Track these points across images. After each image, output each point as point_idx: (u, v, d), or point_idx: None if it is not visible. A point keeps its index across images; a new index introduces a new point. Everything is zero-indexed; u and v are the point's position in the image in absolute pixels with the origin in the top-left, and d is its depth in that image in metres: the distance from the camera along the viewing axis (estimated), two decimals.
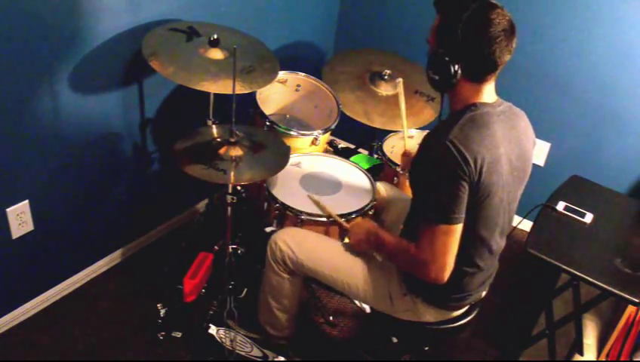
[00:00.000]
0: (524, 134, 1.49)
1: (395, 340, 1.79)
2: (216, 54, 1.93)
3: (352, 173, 2.17)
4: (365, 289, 1.67)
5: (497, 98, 1.45)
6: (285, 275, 1.79)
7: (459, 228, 1.37)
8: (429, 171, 1.37)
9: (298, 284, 1.85)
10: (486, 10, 1.32)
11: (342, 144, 2.89)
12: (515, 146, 1.45)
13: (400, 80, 2.17)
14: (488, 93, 1.42)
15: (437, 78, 1.41)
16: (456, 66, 1.36)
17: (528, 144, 1.51)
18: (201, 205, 2.72)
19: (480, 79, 1.39)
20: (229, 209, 1.96)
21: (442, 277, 1.41)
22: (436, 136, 1.38)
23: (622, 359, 1.95)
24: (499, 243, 1.54)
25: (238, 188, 2.21)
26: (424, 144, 1.41)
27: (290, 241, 1.75)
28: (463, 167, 1.31)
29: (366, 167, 2.29)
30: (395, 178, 2.28)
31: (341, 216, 1.89)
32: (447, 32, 1.36)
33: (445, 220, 1.35)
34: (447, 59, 1.36)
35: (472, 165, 1.32)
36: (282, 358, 1.94)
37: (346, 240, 1.95)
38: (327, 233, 1.92)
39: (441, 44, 1.38)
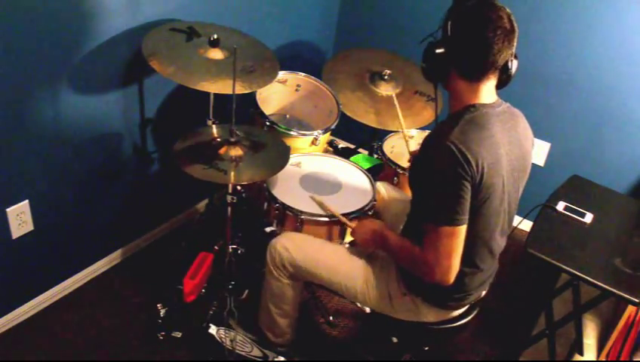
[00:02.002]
0: (523, 135, 1.49)
1: (395, 340, 1.79)
2: (216, 54, 1.93)
3: (352, 173, 2.17)
4: (364, 290, 1.67)
5: (497, 98, 1.45)
6: (285, 280, 1.79)
7: (463, 229, 1.36)
8: (431, 173, 1.37)
9: (298, 289, 1.85)
10: (482, 8, 1.32)
11: (342, 144, 2.89)
12: (515, 147, 1.44)
13: (394, 95, 2.28)
14: (487, 93, 1.41)
15: (424, 65, 1.44)
16: (443, 55, 1.37)
17: (527, 144, 1.51)
18: (201, 205, 2.72)
19: (475, 78, 1.39)
20: (229, 209, 1.96)
21: (447, 280, 1.40)
22: (437, 138, 1.37)
23: (622, 359, 1.95)
24: (499, 243, 1.54)
25: (238, 188, 2.21)
26: (425, 146, 1.40)
27: (289, 245, 1.75)
28: (465, 168, 1.31)
29: (366, 167, 2.29)
30: (395, 178, 2.28)
31: (341, 215, 1.89)
32: (445, 25, 1.37)
33: (449, 222, 1.35)
34: (436, 50, 1.38)
35: (474, 166, 1.31)
36: (282, 358, 1.94)
37: (348, 238, 1.96)
38: (328, 233, 1.92)
39: (441, 38, 1.39)
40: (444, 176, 1.34)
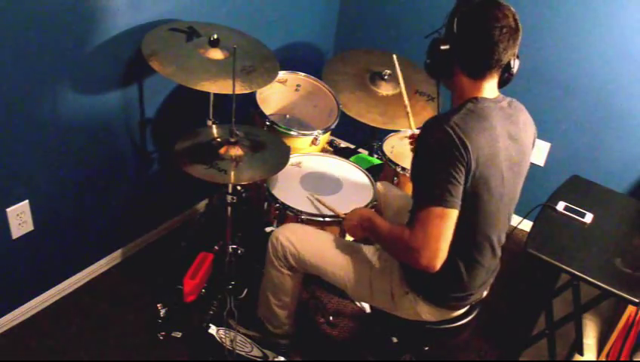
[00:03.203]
0: (523, 130, 1.49)
1: (395, 340, 1.79)
2: (216, 54, 1.93)
3: (352, 173, 2.17)
4: (367, 286, 1.67)
5: (499, 94, 1.46)
6: (286, 271, 1.79)
7: (454, 213, 1.34)
8: (427, 155, 1.37)
9: (298, 281, 1.85)
10: (488, 6, 1.34)
11: (342, 144, 2.89)
12: (515, 142, 1.45)
13: (394, 56, 2.20)
14: (489, 89, 1.42)
15: (428, 61, 1.45)
16: (447, 51, 1.38)
17: (527, 139, 1.51)
18: (201, 205, 2.72)
19: (479, 75, 1.40)
20: (229, 209, 1.96)
21: (434, 265, 1.36)
22: (436, 122, 1.38)
23: (622, 359, 1.95)
24: (500, 238, 1.54)
25: (238, 188, 2.21)
26: (424, 130, 1.41)
27: (292, 237, 1.75)
28: (461, 151, 1.31)
29: (366, 167, 2.29)
30: (395, 178, 2.28)
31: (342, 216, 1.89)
32: (449, 22, 1.38)
33: (440, 202, 1.33)
34: (441, 46, 1.39)
35: (471, 153, 1.32)
36: (282, 358, 1.94)
37: (348, 238, 1.96)
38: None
39: (446, 34, 1.40)
40: (439, 158, 1.34)
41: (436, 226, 1.35)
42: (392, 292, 1.63)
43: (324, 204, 1.93)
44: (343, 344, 2.17)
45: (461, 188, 1.34)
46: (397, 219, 1.85)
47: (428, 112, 2.46)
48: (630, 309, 1.94)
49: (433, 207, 1.34)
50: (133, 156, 2.24)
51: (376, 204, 2.00)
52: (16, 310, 2.04)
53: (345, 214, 1.80)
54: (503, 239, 1.57)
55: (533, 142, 1.55)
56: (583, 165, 2.67)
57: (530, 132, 1.53)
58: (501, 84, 1.45)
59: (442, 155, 1.33)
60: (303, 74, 2.48)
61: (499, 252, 1.58)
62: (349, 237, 1.97)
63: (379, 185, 2.09)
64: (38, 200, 1.93)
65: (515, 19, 1.34)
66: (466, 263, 1.49)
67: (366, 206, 1.94)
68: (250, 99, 2.23)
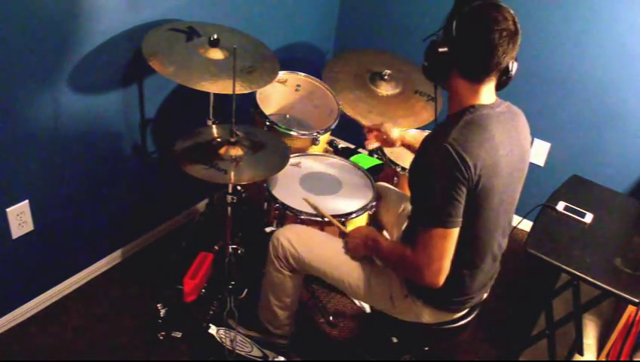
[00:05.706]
0: (522, 134, 1.49)
1: (395, 340, 1.79)
2: (216, 54, 1.93)
3: (352, 173, 2.17)
4: (366, 289, 1.67)
5: (496, 98, 1.44)
6: (287, 272, 1.79)
7: (455, 232, 1.36)
8: (428, 174, 1.36)
9: (299, 282, 1.85)
10: (486, 9, 1.31)
11: (342, 144, 2.89)
12: (515, 147, 1.44)
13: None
14: (487, 94, 1.40)
15: (426, 64, 1.43)
16: (445, 54, 1.36)
17: (526, 143, 1.51)
18: (201, 205, 2.72)
19: (477, 79, 1.38)
20: (229, 209, 1.96)
21: (437, 282, 1.40)
22: (435, 139, 1.37)
23: (622, 359, 1.95)
24: (500, 243, 1.54)
25: (238, 188, 2.20)
26: (422, 147, 1.40)
27: (293, 238, 1.75)
28: (462, 171, 1.30)
29: (366, 167, 2.29)
30: (395, 178, 2.28)
31: (341, 215, 1.89)
32: (448, 25, 1.36)
33: (442, 224, 1.34)
34: (439, 49, 1.37)
35: (472, 168, 1.31)
36: (282, 358, 1.94)
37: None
38: (327, 233, 1.92)
39: (444, 37, 1.38)
40: (440, 178, 1.33)
41: (438, 247, 1.36)
42: (391, 296, 1.63)
43: (325, 215, 1.89)
44: (343, 344, 2.17)
45: (462, 205, 1.34)
46: (397, 222, 1.85)
47: (428, 112, 2.46)
48: (630, 309, 1.94)
49: (435, 228, 1.35)
50: (133, 156, 2.24)
51: (375, 204, 2.00)
52: (16, 310, 2.04)
53: (348, 231, 1.79)
54: (504, 245, 1.57)
55: (531, 144, 1.54)
56: (583, 165, 2.67)
57: (528, 135, 1.52)
58: (499, 87, 1.43)
59: (443, 176, 1.32)
60: (303, 74, 2.48)
61: (499, 257, 1.58)
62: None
63: (378, 185, 2.09)
64: (38, 200, 1.93)
65: (514, 23, 1.32)
66: (467, 270, 1.49)
67: (366, 206, 1.94)
68: (250, 99, 2.23)
